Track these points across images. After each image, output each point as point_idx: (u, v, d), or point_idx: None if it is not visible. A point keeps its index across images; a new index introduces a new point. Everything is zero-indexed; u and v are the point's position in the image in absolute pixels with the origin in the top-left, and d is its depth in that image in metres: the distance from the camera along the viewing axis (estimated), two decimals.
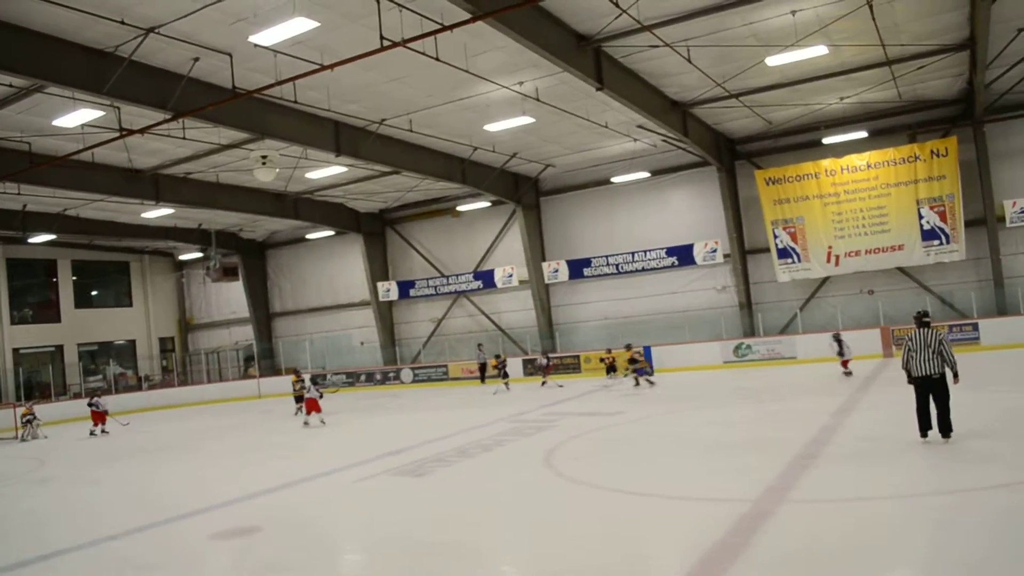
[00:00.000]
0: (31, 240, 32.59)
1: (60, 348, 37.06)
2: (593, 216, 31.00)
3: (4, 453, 21.36)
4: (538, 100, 20.39)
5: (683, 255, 28.64)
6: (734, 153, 27.83)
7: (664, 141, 26.20)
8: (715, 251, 27.94)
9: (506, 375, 25.26)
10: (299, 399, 21.79)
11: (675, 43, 17.46)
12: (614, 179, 29.32)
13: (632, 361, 23.23)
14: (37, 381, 35.56)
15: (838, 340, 20.76)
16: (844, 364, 20.54)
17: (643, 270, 29.57)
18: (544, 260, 31.43)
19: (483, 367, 29.22)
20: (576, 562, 7.27)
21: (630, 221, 30.16)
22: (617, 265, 29.92)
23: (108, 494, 13.76)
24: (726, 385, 21.12)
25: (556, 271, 30.96)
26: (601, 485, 10.34)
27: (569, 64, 16.65)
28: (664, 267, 29.16)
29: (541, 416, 17.96)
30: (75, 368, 36.81)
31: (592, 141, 26.24)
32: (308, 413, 19.92)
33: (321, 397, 20.11)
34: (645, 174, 28.68)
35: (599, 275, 30.39)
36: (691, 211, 29.00)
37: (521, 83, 19.43)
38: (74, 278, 38.07)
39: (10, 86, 16.66)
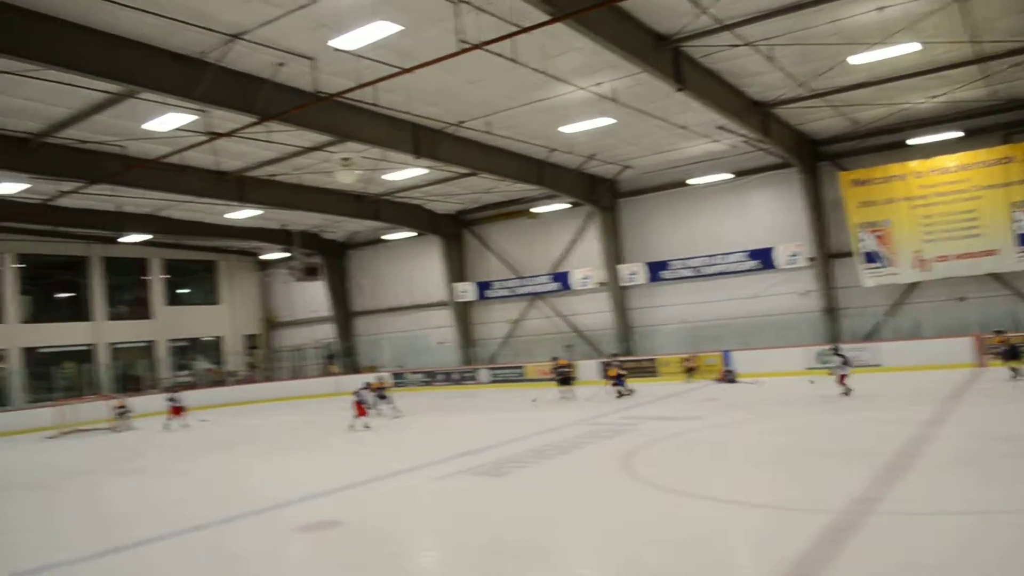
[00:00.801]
0: (125, 240, 33.91)
1: (152, 343, 38.42)
2: (672, 218, 30.64)
3: (99, 443, 22.26)
4: (616, 101, 20.26)
5: (764, 258, 28.07)
6: (817, 154, 27.11)
7: (745, 142, 25.74)
8: (797, 255, 27.28)
9: (568, 380, 24.63)
10: (381, 397, 22.07)
11: (756, 42, 17.14)
12: (692, 181, 28.95)
13: (615, 377, 23.45)
14: (131, 375, 36.96)
15: (839, 353, 19.53)
16: (842, 380, 19.00)
17: (723, 273, 29.10)
18: (621, 262, 31.21)
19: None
20: (654, 568, 7.20)
21: (709, 223, 29.70)
22: (696, 268, 29.51)
23: (196, 485, 14.21)
24: (808, 392, 20.62)
25: (634, 274, 30.70)
26: (680, 490, 10.23)
27: (648, 64, 16.49)
28: (745, 270, 28.63)
29: (618, 420, 17.85)
30: (166, 363, 38.21)
31: (671, 142, 25.94)
32: (357, 416, 20.01)
33: (368, 405, 20.42)
34: (725, 175, 28.23)
35: (677, 278, 30.02)
36: (772, 213, 28.39)
37: (599, 84, 19.34)
38: (165, 276, 39.43)
39: (107, 92, 17.35)
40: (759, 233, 28.48)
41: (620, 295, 31.35)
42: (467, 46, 13.68)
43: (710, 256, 29.14)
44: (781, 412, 17.41)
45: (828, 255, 27.19)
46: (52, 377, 33.64)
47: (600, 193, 30.55)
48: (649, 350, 30.41)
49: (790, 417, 16.54)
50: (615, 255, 31.23)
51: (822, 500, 8.95)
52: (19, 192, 24.35)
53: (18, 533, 11.33)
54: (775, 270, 28.01)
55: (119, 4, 13.10)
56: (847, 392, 18.74)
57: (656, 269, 30.34)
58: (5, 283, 33.49)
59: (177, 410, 23.91)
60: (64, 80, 15.91)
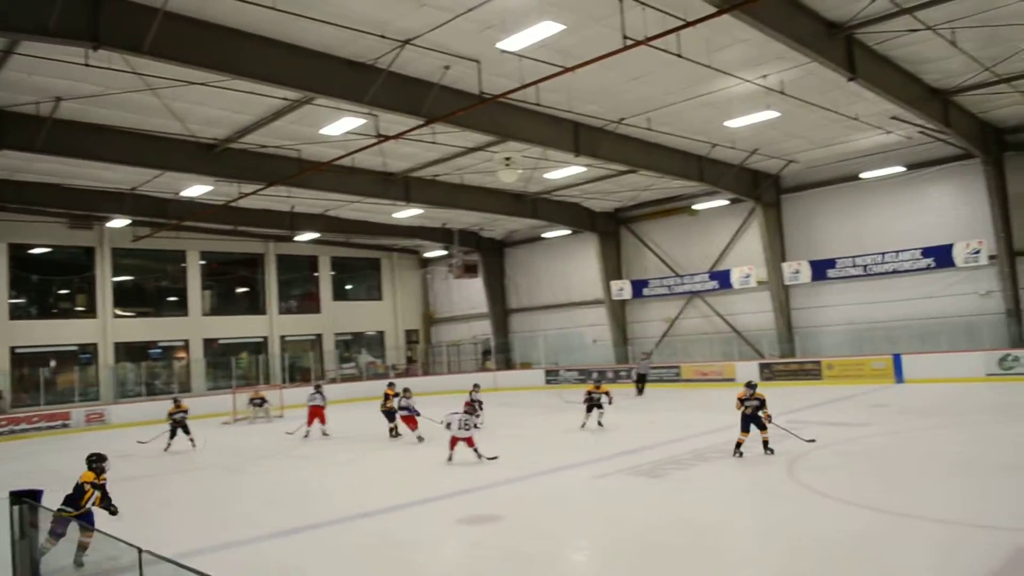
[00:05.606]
0: (297, 238, 35.83)
1: (319, 336, 40.40)
2: (839, 214, 29.28)
3: (268, 429, 23.53)
4: (783, 93, 19.59)
5: (941, 256, 26.28)
6: (1003, 144, 25.15)
7: (921, 133, 24.21)
8: (979, 252, 25.40)
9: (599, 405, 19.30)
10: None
11: (937, 25, 16.13)
12: (864, 175, 27.57)
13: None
14: (299, 366, 39.04)
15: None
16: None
17: (894, 272, 27.49)
18: (784, 260, 30.14)
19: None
20: None
21: (880, 219, 28.15)
22: (865, 266, 28.05)
23: (364, 473, 14.85)
24: (988, 400, 19.25)
25: (797, 272, 29.56)
26: (850, 500, 9.81)
27: (818, 54, 15.85)
28: (919, 269, 26.92)
29: (783, 424, 17.20)
30: (332, 355, 40.14)
31: (840, 135, 24.82)
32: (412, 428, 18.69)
33: (419, 415, 18.89)
34: (899, 168, 26.71)
35: (844, 277, 28.63)
36: (951, 208, 26.54)
37: (765, 76, 18.76)
38: (332, 273, 41.38)
39: (285, 99, 18.40)
40: (934, 229, 26.70)
41: (782, 294, 30.30)
42: (632, 42, 13.60)
43: (881, 254, 27.59)
44: (959, 422, 16.35)
45: (1013, 252, 25.17)
46: (229, 366, 36.08)
47: (763, 188, 29.64)
48: (813, 352, 29.26)
49: (970, 427, 15.53)
50: (778, 253, 30.19)
51: (1011, 518, 8.35)
52: (204, 194, 26.32)
53: (209, 511, 12.22)
54: (953, 268, 26.19)
55: (307, 18, 13.87)
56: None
57: (821, 267, 29.05)
58: (190, 278, 36.05)
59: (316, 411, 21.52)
60: (251, 90, 17.05)
